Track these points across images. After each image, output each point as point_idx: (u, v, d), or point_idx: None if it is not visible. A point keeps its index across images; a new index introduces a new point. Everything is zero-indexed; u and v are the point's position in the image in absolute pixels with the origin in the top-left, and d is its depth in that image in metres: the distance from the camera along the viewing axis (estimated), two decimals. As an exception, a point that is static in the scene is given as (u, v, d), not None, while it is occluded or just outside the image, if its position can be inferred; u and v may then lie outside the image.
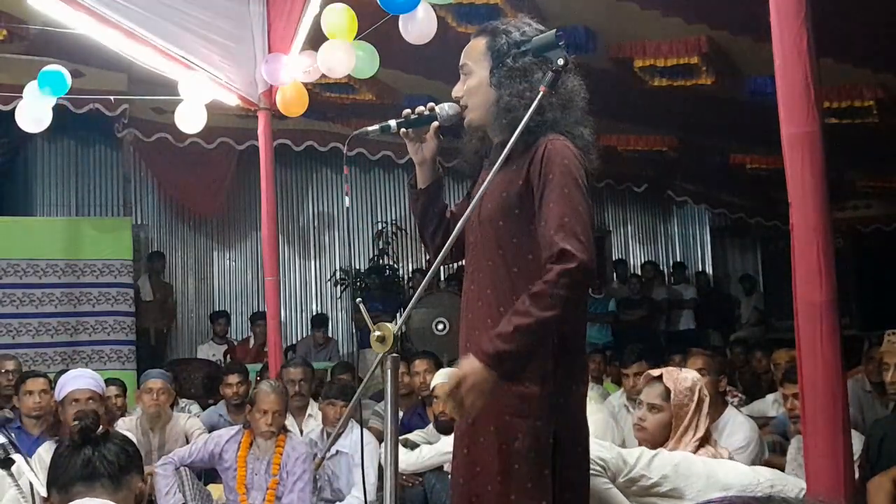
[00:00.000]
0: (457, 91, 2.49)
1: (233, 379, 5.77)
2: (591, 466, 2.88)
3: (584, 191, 2.27)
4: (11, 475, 2.02)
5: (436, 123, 2.48)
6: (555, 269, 2.16)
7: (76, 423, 2.06)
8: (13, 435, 2.05)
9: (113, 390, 5.28)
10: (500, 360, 2.13)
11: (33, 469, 2.06)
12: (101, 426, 2.10)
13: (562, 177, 2.26)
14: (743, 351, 7.94)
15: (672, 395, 3.26)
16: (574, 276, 2.15)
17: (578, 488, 2.34)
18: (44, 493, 2.00)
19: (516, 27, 2.46)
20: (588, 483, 2.40)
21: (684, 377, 3.32)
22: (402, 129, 2.47)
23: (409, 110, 2.47)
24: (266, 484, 4.36)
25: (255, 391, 4.58)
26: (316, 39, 5.26)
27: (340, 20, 5.02)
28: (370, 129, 2.44)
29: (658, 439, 3.28)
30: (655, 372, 3.41)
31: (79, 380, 4.33)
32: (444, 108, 2.46)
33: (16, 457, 2.01)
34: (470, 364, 2.15)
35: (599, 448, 3.00)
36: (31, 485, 2.01)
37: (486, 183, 2.14)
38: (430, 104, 2.47)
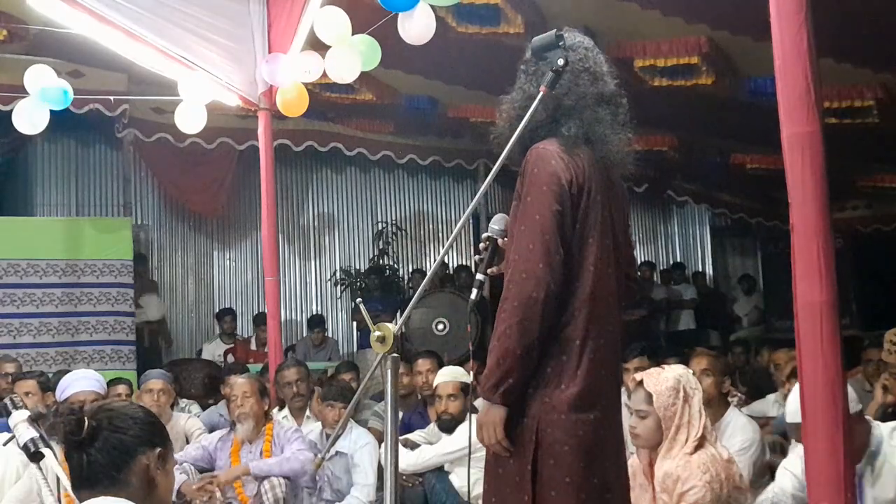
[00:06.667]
0: None
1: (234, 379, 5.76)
2: None
3: (548, 207, 2.35)
4: (40, 469, 2.00)
5: (500, 241, 2.59)
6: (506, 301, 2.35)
7: (62, 426, 2.01)
8: (43, 430, 2.03)
9: (119, 389, 5.25)
10: (487, 383, 2.36)
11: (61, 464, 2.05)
12: (86, 425, 1.98)
13: (529, 195, 2.38)
14: (743, 351, 7.94)
15: (655, 399, 3.25)
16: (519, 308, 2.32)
17: (562, 486, 2.35)
18: (69, 488, 1.98)
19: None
20: (576, 482, 2.38)
21: (665, 377, 3.30)
22: (491, 270, 2.59)
23: (477, 257, 2.63)
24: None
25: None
26: (316, 39, 5.26)
27: (333, 25, 5.02)
28: (472, 298, 2.54)
29: (652, 443, 3.29)
30: (637, 376, 3.39)
31: (81, 381, 4.34)
32: (494, 228, 2.60)
33: (45, 451, 1.99)
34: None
35: None
36: (57, 479, 2.00)
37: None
38: (484, 236, 2.61)
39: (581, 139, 2.44)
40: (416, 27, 4.73)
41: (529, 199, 2.36)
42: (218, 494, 4.24)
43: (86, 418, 1.99)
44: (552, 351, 2.38)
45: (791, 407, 3.22)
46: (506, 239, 2.58)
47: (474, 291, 2.52)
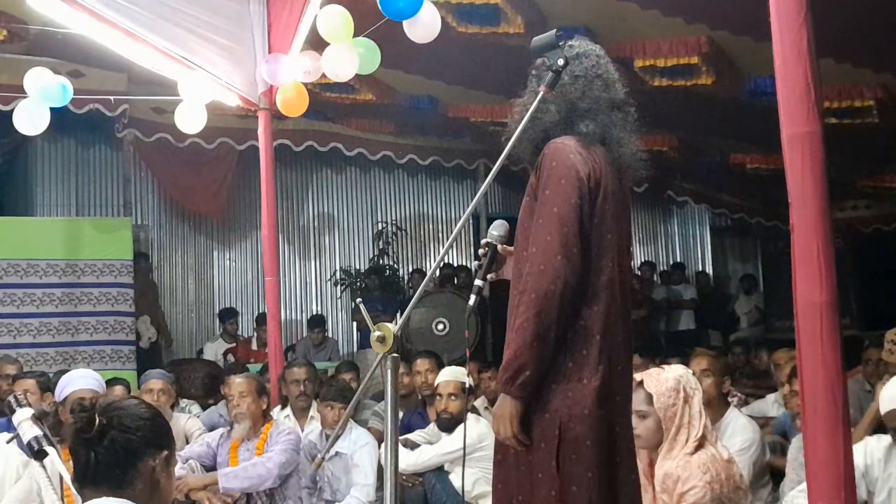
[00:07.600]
0: None
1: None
2: None
3: (566, 200, 2.36)
4: (44, 467, 1.99)
5: (500, 247, 2.58)
6: (524, 294, 2.36)
7: (73, 422, 2.00)
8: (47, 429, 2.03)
9: (116, 391, 5.25)
10: (503, 376, 2.36)
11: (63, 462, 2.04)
12: (96, 423, 1.97)
13: (547, 188, 2.39)
14: (743, 351, 7.94)
15: (655, 399, 3.25)
16: (538, 303, 2.33)
17: (584, 481, 2.36)
18: (71, 486, 1.98)
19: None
20: (597, 478, 2.39)
21: (665, 377, 3.30)
22: (490, 276, 2.59)
23: (476, 262, 2.62)
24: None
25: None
26: (316, 39, 5.26)
27: (337, 23, 5.02)
28: (471, 304, 2.53)
29: (653, 443, 3.29)
30: (637, 377, 3.39)
31: (80, 380, 4.34)
32: (493, 234, 2.60)
33: (49, 449, 1.99)
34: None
35: None
36: (60, 478, 1.99)
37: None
38: (483, 242, 2.60)
39: (597, 138, 2.49)
40: (422, 26, 4.74)
41: (548, 192, 2.37)
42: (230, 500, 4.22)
43: (96, 416, 1.98)
44: (573, 345, 2.38)
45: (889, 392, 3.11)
46: (505, 245, 2.58)
47: (472, 297, 2.52)
